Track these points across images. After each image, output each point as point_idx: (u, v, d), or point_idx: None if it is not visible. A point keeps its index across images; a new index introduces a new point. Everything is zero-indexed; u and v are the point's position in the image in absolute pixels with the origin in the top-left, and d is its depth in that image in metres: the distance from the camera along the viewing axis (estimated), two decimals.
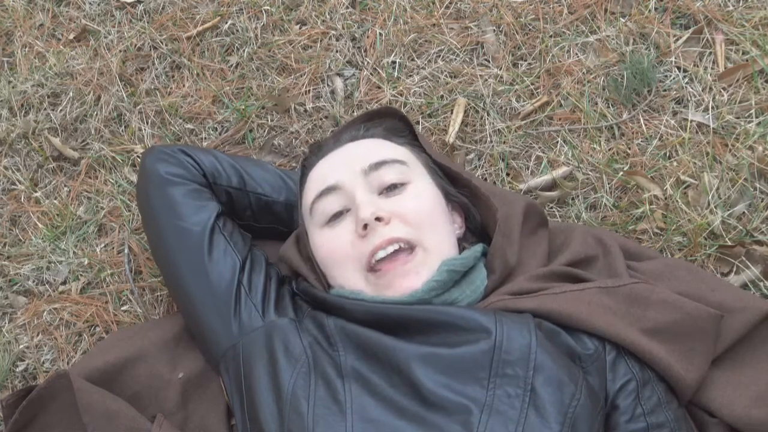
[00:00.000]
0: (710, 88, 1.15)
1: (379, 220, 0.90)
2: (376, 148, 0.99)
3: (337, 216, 0.94)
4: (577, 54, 1.20)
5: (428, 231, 0.92)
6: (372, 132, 1.03)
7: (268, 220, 1.10)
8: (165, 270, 1.05)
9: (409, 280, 0.88)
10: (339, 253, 0.93)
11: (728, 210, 1.09)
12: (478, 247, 0.97)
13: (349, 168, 0.96)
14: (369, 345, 0.86)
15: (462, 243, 0.99)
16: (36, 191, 1.28)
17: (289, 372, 0.87)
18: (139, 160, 1.25)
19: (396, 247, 0.89)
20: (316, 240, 0.96)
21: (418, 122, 1.19)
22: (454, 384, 0.80)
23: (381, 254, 0.89)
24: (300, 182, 1.04)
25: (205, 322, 0.98)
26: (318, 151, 1.04)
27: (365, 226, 0.89)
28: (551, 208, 1.15)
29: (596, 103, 1.18)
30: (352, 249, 0.91)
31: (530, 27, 1.22)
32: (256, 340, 0.93)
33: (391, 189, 0.94)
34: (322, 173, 0.98)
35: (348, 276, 0.92)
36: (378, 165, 0.95)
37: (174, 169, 1.04)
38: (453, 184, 1.03)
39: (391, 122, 1.06)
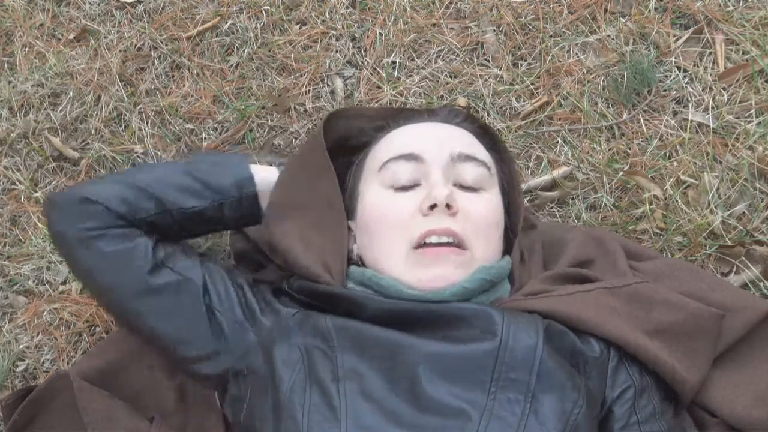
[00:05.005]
0: (710, 88, 1.15)
1: (449, 207, 0.88)
2: (469, 141, 0.98)
3: (404, 188, 0.92)
4: (577, 54, 1.20)
5: (483, 241, 0.91)
6: (466, 125, 1.01)
7: (203, 229, 1.01)
8: (129, 326, 0.98)
9: (446, 270, 0.87)
10: (394, 218, 0.90)
11: (728, 210, 1.09)
12: (509, 260, 0.96)
13: (438, 145, 0.93)
14: (371, 341, 0.84)
15: None
16: (36, 191, 1.28)
17: (287, 377, 0.84)
18: (139, 160, 1.26)
19: (450, 240, 0.88)
20: (374, 197, 0.93)
21: None
22: (455, 387, 0.79)
23: (434, 239, 0.88)
24: (373, 135, 1.01)
25: (190, 359, 0.93)
26: (408, 116, 1.01)
27: (433, 206, 0.88)
28: (551, 208, 1.15)
29: (596, 103, 1.18)
30: (410, 220, 0.89)
31: (530, 27, 1.22)
32: (250, 354, 0.90)
33: (466, 188, 0.93)
34: (410, 137, 0.95)
35: (391, 244, 0.90)
36: (468, 158, 0.93)
37: (86, 222, 0.92)
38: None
39: (483, 125, 1.05)
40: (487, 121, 1.18)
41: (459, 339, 0.83)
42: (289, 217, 0.96)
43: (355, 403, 0.80)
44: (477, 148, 0.97)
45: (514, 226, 1.00)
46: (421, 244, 0.88)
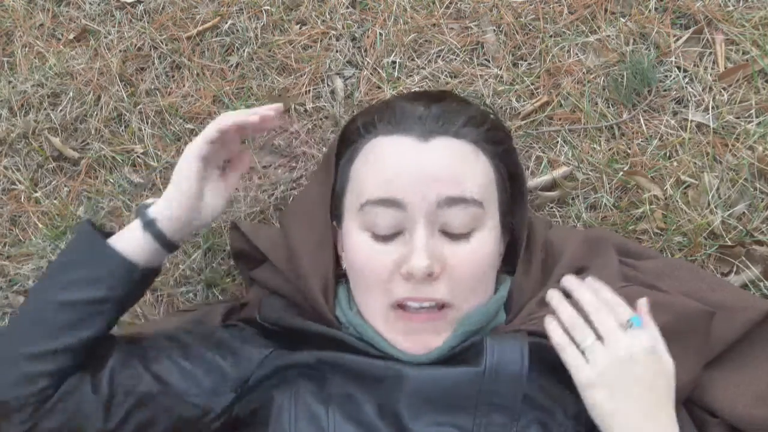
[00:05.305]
0: (710, 88, 1.15)
1: (429, 276, 0.83)
2: (460, 169, 0.87)
3: (385, 237, 0.86)
4: (577, 54, 1.20)
5: (471, 294, 0.87)
6: (466, 132, 0.90)
7: (114, 322, 0.91)
8: None
9: (426, 338, 0.85)
10: (373, 273, 0.86)
11: (728, 210, 1.09)
12: (504, 290, 0.93)
13: (423, 189, 0.84)
14: (361, 369, 0.84)
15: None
16: (36, 191, 1.28)
17: (276, 404, 0.85)
18: (139, 160, 1.26)
19: (431, 304, 0.85)
20: (354, 239, 0.88)
21: None
22: (443, 414, 0.80)
23: (414, 305, 0.85)
24: (358, 134, 0.93)
25: (204, 425, 0.90)
26: (399, 118, 0.90)
27: (411, 275, 0.83)
28: (551, 208, 1.15)
29: (596, 103, 1.18)
30: (389, 278, 0.85)
31: (530, 27, 1.22)
32: (237, 404, 0.90)
33: (453, 236, 0.86)
34: (392, 171, 0.86)
35: (371, 297, 0.87)
36: (455, 201, 0.85)
37: (14, 423, 0.83)
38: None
39: (493, 127, 0.94)
40: None
41: (449, 361, 0.84)
42: (300, 221, 0.96)
43: (343, 428, 0.80)
44: (468, 175, 0.87)
45: (518, 241, 0.98)
46: (399, 304, 0.85)
